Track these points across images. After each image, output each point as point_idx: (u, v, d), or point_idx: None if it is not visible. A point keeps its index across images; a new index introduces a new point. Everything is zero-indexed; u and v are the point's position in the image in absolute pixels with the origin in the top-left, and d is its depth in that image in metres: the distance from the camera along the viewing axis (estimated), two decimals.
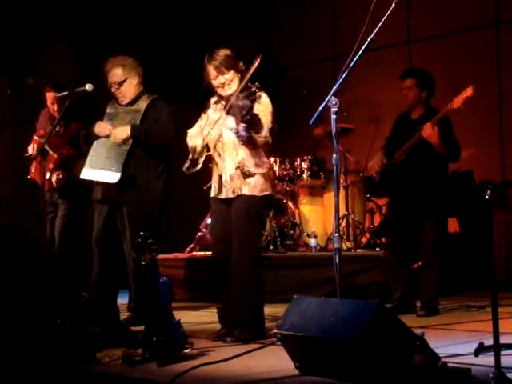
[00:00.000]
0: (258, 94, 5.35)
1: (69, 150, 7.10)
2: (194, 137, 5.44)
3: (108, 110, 6.41)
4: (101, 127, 6.23)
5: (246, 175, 5.33)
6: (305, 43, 10.12)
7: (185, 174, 5.40)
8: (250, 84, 5.38)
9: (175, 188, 9.93)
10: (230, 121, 5.32)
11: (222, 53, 5.40)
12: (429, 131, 6.20)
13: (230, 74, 5.39)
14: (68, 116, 6.85)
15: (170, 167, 6.42)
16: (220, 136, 5.38)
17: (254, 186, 5.33)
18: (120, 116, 6.30)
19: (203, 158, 5.40)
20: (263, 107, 5.34)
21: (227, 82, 5.40)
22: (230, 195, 5.37)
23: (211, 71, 5.40)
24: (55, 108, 7.28)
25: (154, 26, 11.03)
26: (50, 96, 7.34)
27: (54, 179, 7.08)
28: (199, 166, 5.40)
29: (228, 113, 5.33)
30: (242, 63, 5.45)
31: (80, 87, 6.28)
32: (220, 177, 5.43)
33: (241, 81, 5.39)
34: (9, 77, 8.37)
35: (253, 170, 5.34)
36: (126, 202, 6.17)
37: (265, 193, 5.37)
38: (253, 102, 5.28)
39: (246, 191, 5.32)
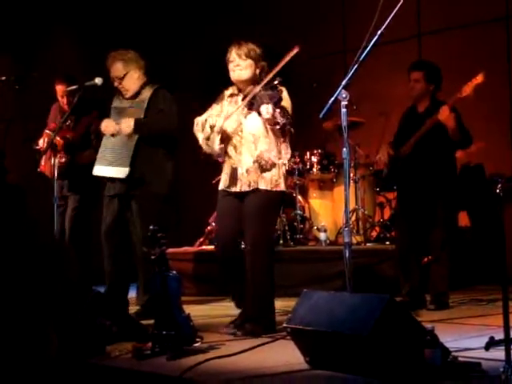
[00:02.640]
0: (280, 88, 5.30)
1: (72, 135, 7.07)
2: (212, 117, 5.42)
3: (114, 105, 6.45)
4: (106, 125, 6.28)
5: (263, 169, 5.32)
6: (315, 36, 10.10)
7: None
8: (274, 79, 5.36)
9: (185, 182, 9.97)
10: (265, 104, 5.18)
11: (251, 44, 5.42)
12: (446, 114, 6.17)
13: (247, 62, 5.37)
14: (79, 110, 6.85)
15: (177, 159, 6.44)
16: (239, 130, 5.37)
17: (269, 181, 5.33)
18: (127, 111, 6.33)
19: (218, 140, 5.38)
20: (285, 102, 5.32)
21: (240, 67, 5.38)
22: (246, 189, 5.35)
23: (232, 54, 5.40)
24: (65, 101, 7.27)
25: (160, 17, 11.03)
26: (60, 89, 7.33)
27: (56, 161, 7.02)
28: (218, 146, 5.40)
29: (251, 104, 5.30)
30: (265, 64, 5.43)
31: (90, 81, 6.30)
32: (234, 170, 5.40)
33: (271, 70, 5.30)
34: (16, 72, 8.37)
35: (271, 161, 5.33)
36: (134, 196, 6.20)
37: (279, 188, 5.36)
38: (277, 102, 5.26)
39: (261, 185, 5.31)
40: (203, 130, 5.44)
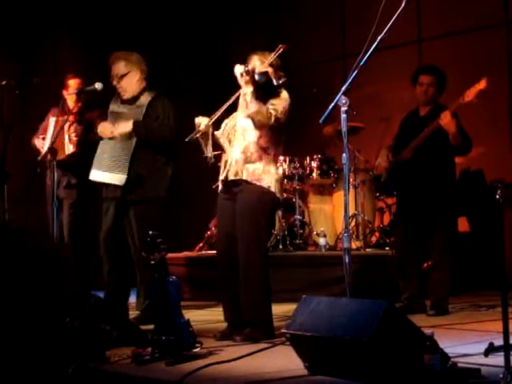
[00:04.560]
0: (279, 90, 5.37)
1: (91, 115, 7.05)
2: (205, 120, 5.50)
3: (111, 109, 6.40)
4: (103, 128, 6.25)
5: (248, 160, 5.37)
6: (314, 42, 10.10)
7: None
8: (274, 78, 5.40)
9: (185, 186, 9.97)
10: (238, 68, 5.35)
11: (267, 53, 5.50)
12: (447, 119, 6.16)
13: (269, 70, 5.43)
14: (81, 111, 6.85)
15: (177, 165, 6.42)
16: (234, 125, 5.47)
17: (251, 173, 5.36)
18: (124, 116, 6.28)
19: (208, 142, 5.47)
20: (280, 100, 5.37)
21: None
22: (231, 177, 5.42)
23: (255, 60, 5.46)
24: (74, 98, 7.19)
25: (162, 22, 11.04)
26: (76, 82, 7.27)
27: (72, 130, 6.95)
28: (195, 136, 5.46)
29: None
30: (278, 61, 5.50)
31: (90, 86, 6.30)
32: (226, 162, 5.50)
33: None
34: (17, 76, 8.40)
35: (257, 153, 5.38)
36: (132, 201, 6.17)
37: (259, 182, 5.37)
38: (272, 94, 5.30)
39: (244, 176, 5.37)
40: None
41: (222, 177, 5.50)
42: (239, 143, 5.44)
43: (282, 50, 5.31)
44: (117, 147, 6.20)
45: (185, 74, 10.81)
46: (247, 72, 5.28)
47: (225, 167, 5.50)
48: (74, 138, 6.99)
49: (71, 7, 10.43)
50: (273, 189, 5.42)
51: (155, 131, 6.19)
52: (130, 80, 6.30)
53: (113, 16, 10.58)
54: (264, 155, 5.42)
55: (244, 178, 5.37)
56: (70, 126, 7.02)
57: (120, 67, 6.29)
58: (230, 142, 5.50)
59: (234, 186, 5.44)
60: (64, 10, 10.39)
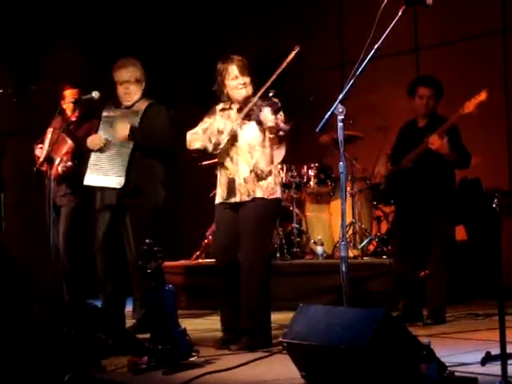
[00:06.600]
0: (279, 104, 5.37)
1: (88, 125, 7.04)
2: (214, 135, 5.45)
3: (104, 114, 6.38)
4: (91, 143, 6.24)
5: (260, 178, 5.37)
6: (311, 50, 10.10)
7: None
8: (269, 91, 5.41)
9: (182, 195, 9.96)
10: (267, 111, 5.24)
11: (243, 58, 5.48)
12: (437, 143, 6.15)
13: (249, 79, 5.45)
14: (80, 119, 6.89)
15: (175, 172, 6.40)
16: (234, 140, 5.41)
17: (265, 189, 5.37)
18: (118, 119, 6.26)
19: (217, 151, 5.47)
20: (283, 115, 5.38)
21: (245, 85, 5.44)
22: (245, 198, 5.38)
23: (234, 70, 5.43)
24: (71, 107, 7.18)
25: (161, 29, 11.07)
26: (72, 93, 7.25)
27: (61, 166, 6.96)
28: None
29: (248, 117, 5.34)
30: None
31: (87, 95, 6.29)
32: (231, 180, 5.42)
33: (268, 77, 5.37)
34: (16, 84, 8.37)
35: (266, 170, 5.38)
36: (127, 208, 6.15)
37: (275, 196, 5.42)
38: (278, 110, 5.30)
39: (258, 194, 5.36)
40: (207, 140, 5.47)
41: (228, 199, 5.42)
42: (247, 161, 5.39)
43: (297, 51, 5.25)
44: (113, 152, 6.18)
45: (184, 79, 10.81)
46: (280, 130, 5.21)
47: (229, 187, 5.43)
48: (60, 172, 6.98)
49: (70, 15, 10.41)
50: (281, 196, 5.46)
51: (151, 136, 6.17)
52: (137, 86, 6.32)
53: (112, 23, 10.57)
54: (273, 168, 5.45)
55: (259, 196, 5.36)
56: (64, 154, 6.99)
57: (133, 72, 6.30)
58: (231, 158, 5.45)
59: (244, 204, 5.40)
60: (63, 17, 10.37)
